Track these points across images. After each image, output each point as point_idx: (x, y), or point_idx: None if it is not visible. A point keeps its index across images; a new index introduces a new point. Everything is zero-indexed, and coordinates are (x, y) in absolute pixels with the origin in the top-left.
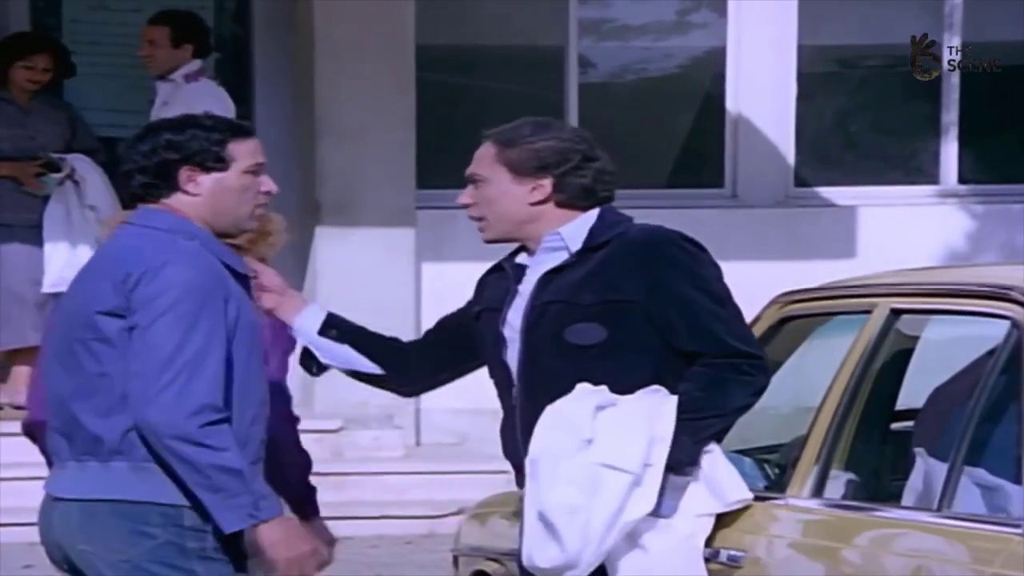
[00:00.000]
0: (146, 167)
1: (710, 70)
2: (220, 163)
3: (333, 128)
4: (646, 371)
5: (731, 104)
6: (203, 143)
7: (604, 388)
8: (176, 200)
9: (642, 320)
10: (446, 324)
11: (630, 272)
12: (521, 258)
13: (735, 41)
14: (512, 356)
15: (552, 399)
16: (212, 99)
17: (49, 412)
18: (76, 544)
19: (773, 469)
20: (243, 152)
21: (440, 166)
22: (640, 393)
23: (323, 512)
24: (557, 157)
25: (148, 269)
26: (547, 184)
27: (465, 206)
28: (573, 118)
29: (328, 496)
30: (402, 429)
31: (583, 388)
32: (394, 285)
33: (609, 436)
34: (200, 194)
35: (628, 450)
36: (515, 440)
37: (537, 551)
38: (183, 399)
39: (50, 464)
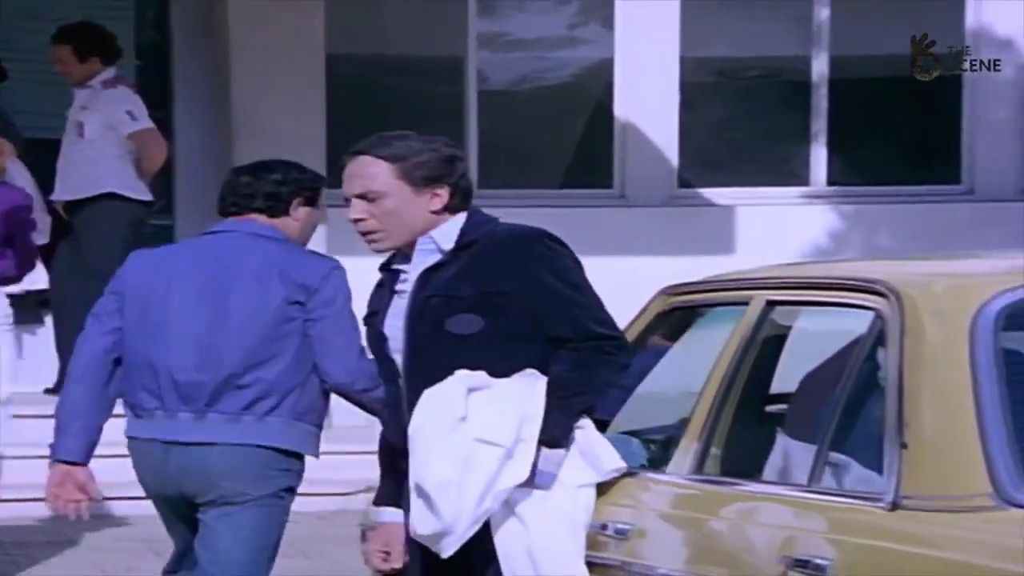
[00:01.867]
0: (276, 193)
1: (599, 79)
2: (315, 201)
3: (249, 129)
4: (522, 357)
5: (619, 111)
6: (312, 184)
7: (481, 373)
8: (283, 221)
9: (516, 310)
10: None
11: (502, 266)
12: (396, 263)
13: (622, 53)
14: (396, 350)
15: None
16: (130, 104)
17: (190, 377)
18: (219, 480)
19: (658, 448)
20: (323, 197)
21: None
22: (514, 376)
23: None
24: (448, 166)
25: (323, 275)
26: (444, 192)
27: (356, 220)
28: (473, 124)
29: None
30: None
31: (460, 373)
32: None
33: (481, 414)
34: (299, 220)
35: (500, 426)
36: (402, 426)
37: (418, 521)
38: (370, 366)
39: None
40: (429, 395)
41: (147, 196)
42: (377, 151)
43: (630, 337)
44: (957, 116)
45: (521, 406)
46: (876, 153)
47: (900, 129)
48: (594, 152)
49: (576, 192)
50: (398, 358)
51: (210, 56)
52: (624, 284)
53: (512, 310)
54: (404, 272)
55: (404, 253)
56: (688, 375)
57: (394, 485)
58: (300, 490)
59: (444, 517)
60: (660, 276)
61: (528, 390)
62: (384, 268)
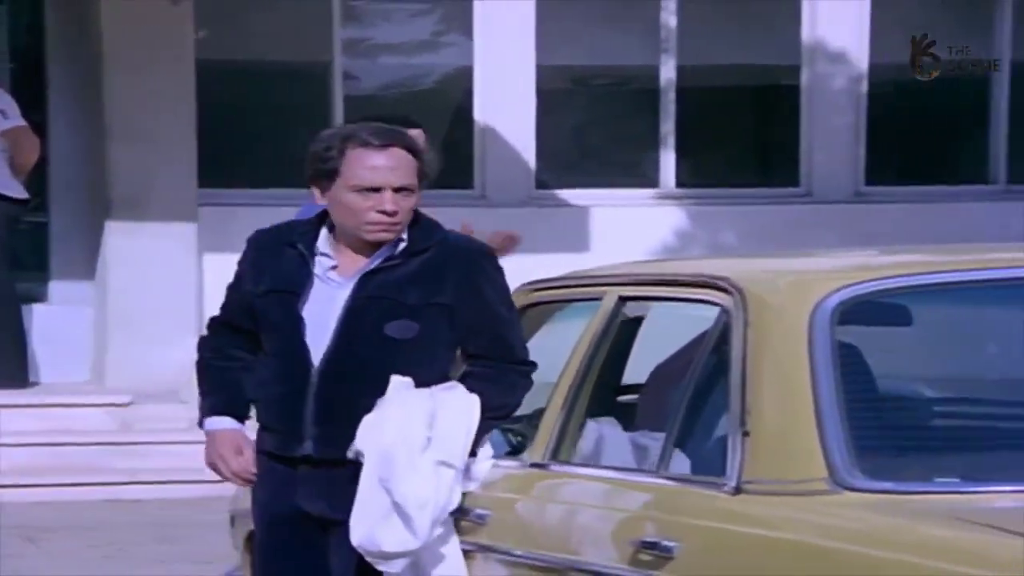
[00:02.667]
0: None
1: (460, 85)
2: None
3: (122, 133)
4: (437, 365)
5: (479, 115)
6: None
7: (410, 380)
8: None
9: (448, 321)
10: (238, 324)
11: (450, 278)
12: (323, 245)
13: (481, 60)
14: (314, 339)
15: (362, 385)
16: (2, 103)
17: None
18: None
19: (517, 437)
20: None
21: (219, 168)
22: (457, 391)
23: (115, 478)
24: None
25: None
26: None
27: (390, 213)
28: None
29: (119, 463)
30: (187, 403)
31: (401, 381)
32: (178, 273)
33: (442, 435)
34: None
35: (455, 448)
36: (298, 412)
37: (391, 538)
38: None
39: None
40: (399, 410)
41: (23, 194)
42: (408, 145)
43: None
44: (796, 123)
45: (466, 426)
46: (721, 157)
47: (743, 135)
48: (456, 154)
49: (438, 192)
50: (311, 343)
51: (83, 60)
52: None
53: (447, 321)
54: (329, 258)
55: (348, 241)
56: (544, 367)
57: (227, 397)
58: (170, 478)
59: (420, 537)
60: (520, 273)
61: (470, 409)
62: (292, 244)
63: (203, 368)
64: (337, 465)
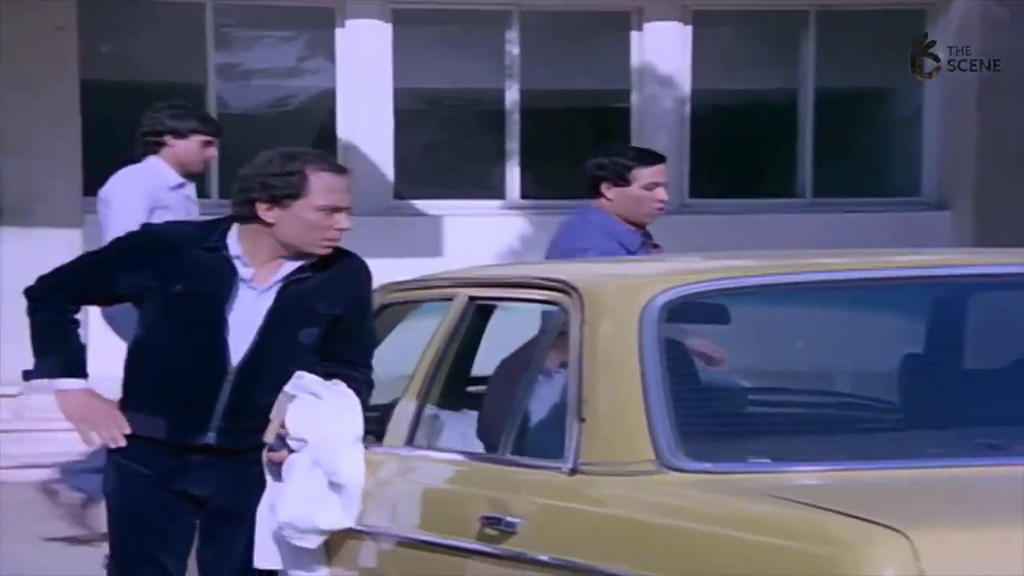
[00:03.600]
0: None
1: (324, 106)
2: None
3: (13, 147)
4: (315, 368)
5: (341, 133)
6: None
7: (314, 376)
8: None
9: (333, 328)
10: (89, 296)
11: (345, 290)
12: (238, 252)
13: (343, 83)
14: (235, 340)
15: (269, 384)
16: None
17: None
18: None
19: (376, 424)
20: None
21: (103, 179)
22: (344, 388)
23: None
24: None
25: None
26: None
27: (343, 231)
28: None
29: (11, 449)
30: None
31: (311, 377)
32: None
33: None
34: None
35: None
36: (209, 406)
37: (322, 515)
38: None
39: None
40: (333, 401)
41: None
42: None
43: None
44: (627, 141)
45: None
46: (561, 171)
47: (580, 151)
48: None
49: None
50: (232, 344)
51: None
52: None
53: (331, 328)
54: (248, 267)
55: (246, 247)
56: (401, 361)
57: (78, 359)
58: (58, 462)
59: (352, 517)
60: (379, 275)
61: (358, 406)
62: (209, 249)
63: (49, 326)
64: (233, 454)
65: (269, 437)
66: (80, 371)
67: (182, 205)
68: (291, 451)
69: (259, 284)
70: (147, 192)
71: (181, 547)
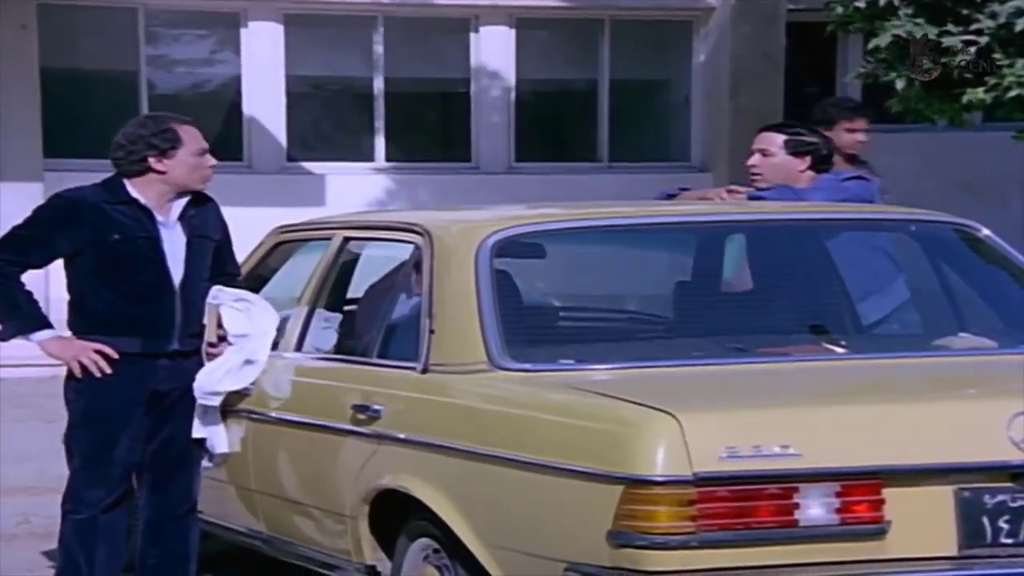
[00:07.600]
0: None
1: (232, 88)
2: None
3: None
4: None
5: (246, 109)
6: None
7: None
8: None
9: (216, 250)
10: (33, 262)
11: (219, 219)
12: (143, 200)
13: (247, 70)
14: (175, 270)
15: (200, 296)
16: None
17: None
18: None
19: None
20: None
21: (59, 145)
22: (262, 298)
23: None
24: None
25: None
26: None
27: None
28: None
29: None
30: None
31: (233, 290)
32: None
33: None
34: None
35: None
36: (170, 320)
37: (230, 382)
38: None
39: None
40: (261, 305)
41: None
42: None
43: (252, 261)
44: (468, 119)
45: None
46: (417, 142)
47: (432, 127)
48: (227, 135)
49: (219, 163)
50: (172, 270)
51: None
52: (248, 230)
53: (217, 250)
54: (155, 208)
55: (144, 196)
56: (291, 287)
57: (42, 314)
58: (28, 362)
59: (247, 383)
60: (274, 220)
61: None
62: (124, 203)
63: (9, 291)
64: (188, 355)
65: (212, 338)
66: (47, 323)
67: None
68: (229, 345)
69: (166, 222)
70: None
71: (138, 434)
